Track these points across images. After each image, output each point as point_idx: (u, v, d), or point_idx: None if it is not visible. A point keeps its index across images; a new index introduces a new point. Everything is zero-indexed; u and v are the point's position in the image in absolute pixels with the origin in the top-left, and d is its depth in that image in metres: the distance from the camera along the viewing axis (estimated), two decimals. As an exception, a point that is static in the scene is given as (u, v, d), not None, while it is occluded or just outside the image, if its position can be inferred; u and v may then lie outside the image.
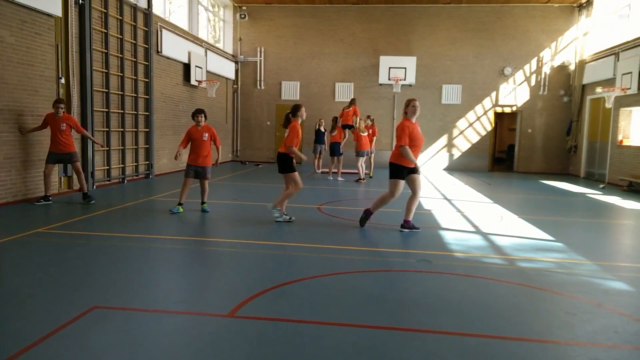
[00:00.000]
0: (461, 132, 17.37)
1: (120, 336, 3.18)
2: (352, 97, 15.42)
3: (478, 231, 6.85)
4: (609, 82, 13.76)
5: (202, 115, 7.61)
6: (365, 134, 12.69)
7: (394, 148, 6.60)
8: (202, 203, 7.74)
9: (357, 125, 12.85)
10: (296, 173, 6.98)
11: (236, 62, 17.99)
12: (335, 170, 13.33)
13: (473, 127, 17.32)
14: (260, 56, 17.94)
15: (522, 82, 17.00)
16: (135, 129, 11.45)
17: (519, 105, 17.10)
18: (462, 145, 17.42)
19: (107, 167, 10.39)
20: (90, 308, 3.58)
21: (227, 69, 17.20)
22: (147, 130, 11.99)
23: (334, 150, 13.19)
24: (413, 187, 6.48)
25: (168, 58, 13.00)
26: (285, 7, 17.56)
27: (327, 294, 4.14)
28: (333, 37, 17.55)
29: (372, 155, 13.51)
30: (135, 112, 11.39)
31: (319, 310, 3.74)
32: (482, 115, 17.25)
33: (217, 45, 17.13)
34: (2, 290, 4.03)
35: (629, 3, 14.07)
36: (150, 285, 4.32)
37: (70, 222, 6.73)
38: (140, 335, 3.21)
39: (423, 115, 14.82)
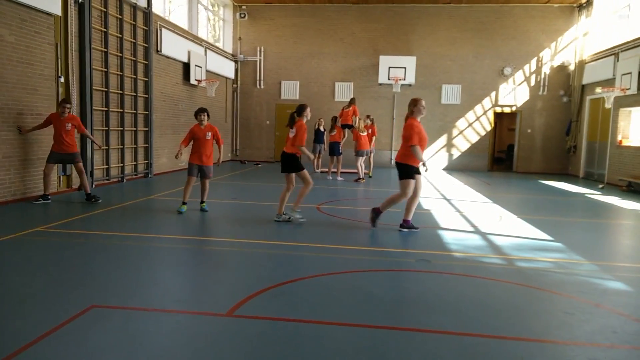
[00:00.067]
0: (461, 132, 17.37)
1: (118, 335, 3.18)
2: (352, 96, 15.41)
3: (477, 231, 6.86)
4: (608, 83, 13.75)
5: (205, 114, 7.60)
6: (365, 133, 12.70)
7: (400, 148, 6.58)
8: (201, 202, 7.74)
9: (357, 125, 12.85)
10: (305, 170, 6.99)
11: (236, 62, 17.98)
12: (335, 170, 13.33)
13: (472, 127, 17.32)
14: (260, 55, 17.93)
15: (522, 82, 17.00)
16: (135, 128, 11.44)
17: (518, 105, 17.10)
18: (462, 145, 17.42)
19: (107, 166, 10.38)
20: (89, 307, 3.58)
21: (227, 69, 17.19)
22: (147, 129, 11.98)
23: (334, 150, 13.20)
24: (414, 187, 6.48)
25: (168, 57, 12.99)
26: (285, 7, 17.55)
27: (326, 293, 4.14)
28: (333, 36, 17.54)
29: (372, 155, 13.52)
30: (135, 111, 11.39)
31: (318, 310, 3.74)
32: (481, 115, 17.25)
33: (216, 44, 17.12)
34: (0, 289, 4.02)
35: (629, 3, 14.08)
36: (149, 284, 4.32)
37: (69, 221, 6.73)
38: (139, 335, 3.21)
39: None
